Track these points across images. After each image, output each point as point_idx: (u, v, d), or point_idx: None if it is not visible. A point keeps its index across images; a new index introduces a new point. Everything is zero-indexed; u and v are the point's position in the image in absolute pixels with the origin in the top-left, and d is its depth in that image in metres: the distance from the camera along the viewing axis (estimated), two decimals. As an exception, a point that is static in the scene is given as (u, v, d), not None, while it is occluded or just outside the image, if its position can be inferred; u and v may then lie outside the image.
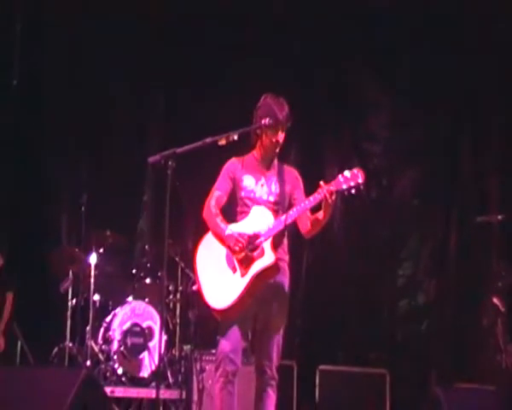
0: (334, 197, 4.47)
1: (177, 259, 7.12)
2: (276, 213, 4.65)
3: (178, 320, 7.13)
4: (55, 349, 6.95)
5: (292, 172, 4.84)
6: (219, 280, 4.59)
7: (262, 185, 4.75)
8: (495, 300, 6.35)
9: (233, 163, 4.82)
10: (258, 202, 4.71)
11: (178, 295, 7.17)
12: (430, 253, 7.69)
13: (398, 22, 7.69)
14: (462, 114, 7.63)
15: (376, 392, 6.81)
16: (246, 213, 4.70)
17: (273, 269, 4.57)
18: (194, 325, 6.68)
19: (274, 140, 4.71)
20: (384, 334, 7.60)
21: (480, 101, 7.52)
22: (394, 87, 7.82)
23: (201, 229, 4.78)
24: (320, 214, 4.57)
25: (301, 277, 7.78)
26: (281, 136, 4.72)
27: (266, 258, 4.53)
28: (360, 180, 4.49)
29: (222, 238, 4.61)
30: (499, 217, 6.51)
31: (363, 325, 7.57)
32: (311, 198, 4.54)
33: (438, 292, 7.59)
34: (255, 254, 4.54)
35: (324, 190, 4.47)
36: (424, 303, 7.63)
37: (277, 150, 4.79)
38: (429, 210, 7.75)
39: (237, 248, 4.55)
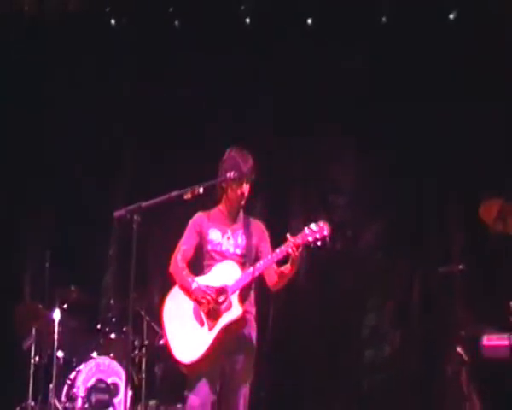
0: (300, 250, 4.52)
1: (142, 313, 7.08)
2: (242, 265, 4.69)
3: (144, 375, 7.05)
4: (17, 409, 6.83)
5: (258, 225, 4.89)
6: (186, 334, 4.59)
7: (228, 238, 4.79)
8: (459, 349, 6.40)
9: (199, 217, 4.86)
10: (224, 255, 4.75)
11: (144, 350, 7.11)
12: (394, 304, 7.74)
13: (364, 74, 7.83)
14: (427, 168, 7.75)
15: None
16: (212, 266, 4.72)
17: (240, 322, 4.59)
18: (160, 379, 6.63)
19: (239, 192, 4.77)
20: (350, 384, 7.59)
21: (444, 155, 7.64)
22: (360, 140, 7.92)
23: (167, 282, 4.78)
24: (287, 268, 4.62)
25: (267, 329, 7.76)
26: (245, 188, 4.79)
27: (234, 311, 4.56)
28: (326, 233, 4.57)
29: (189, 292, 4.62)
30: (460, 266, 6.60)
31: (330, 376, 7.55)
32: (278, 251, 4.59)
33: (402, 343, 7.62)
34: (222, 307, 4.56)
35: (291, 243, 4.52)
36: (389, 354, 7.65)
37: (243, 202, 4.85)
38: (393, 262, 7.80)
39: (204, 301, 4.56)
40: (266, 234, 4.87)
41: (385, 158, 7.79)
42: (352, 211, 7.99)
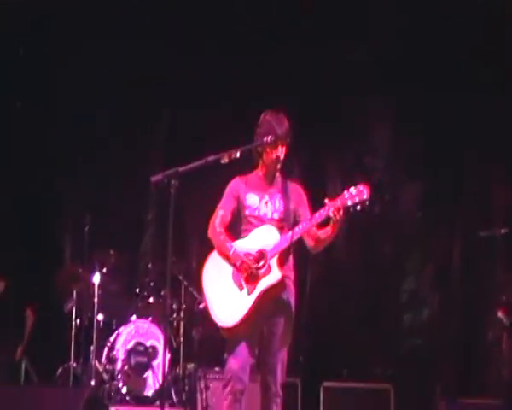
0: (341, 213, 4.47)
1: (180, 277, 7.12)
2: (281, 230, 4.65)
3: (182, 339, 7.12)
4: (60, 369, 6.95)
5: (296, 188, 4.84)
6: (226, 298, 4.59)
7: (266, 203, 4.75)
8: (500, 314, 6.34)
9: (236, 182, 4.83)
10: (262, 219, 4.71)
11: (182, 314, 7.16)
12: (434, 267, 7.68)
13: (399, 37, 7.70)
14: (466, 126, 7.62)
15: (381, 407, 6.78)
16: (250, 232, 4.70)
17: (279, 286, 4.57)
18: (198, 343, 6.68)
19: (275, 156, 4.72)
20: (388, 349, 7.58)
21: (484, 113, 7.51)
22: (396, 101, 7.82)
23: (205, 247, 4.78)
24: (328, 230, 4.57)
25: (305, 294, 7.77)
26: (281, 151, 4.72)
27: (273, 275, 4.54)
28: (365, 196, 4.50)
29: (228, 257, 4.61)
30: (502, 231, 6.49)
31: (368, 341, 7.55)
32: (317, 215, 4.55)
33: (442, 306, 7.58)
34: (261, 271, 4.54)
35: (331, 206, 4.47)
36: (428, 317, 7.61)
37: (279, 166, 4.79)
38: (432, 224, 7.74)
39: (243, 268, 4.55)
40: (304, 197, 4.82)
41: (423, 118, 7.68)
42: (390, 173, 7.92)
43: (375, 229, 7.87)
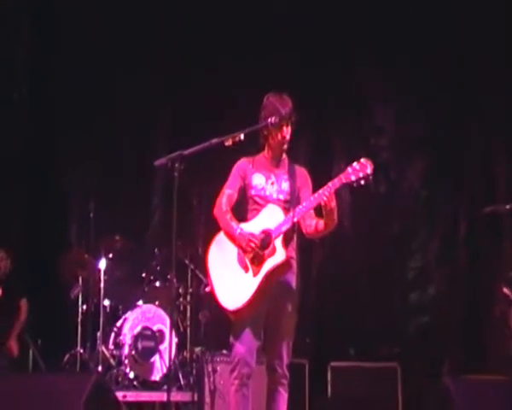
0: (333, 204, 4.43)
1: (186, 261, 7.12)
2: (286, 211, 4.63)
3: (189, 322, 7.14)
4: (67, 355, 6.97)
5: (302, 172, 4.82)
6: (232, 280, 4.57)
7: (272, 183, 4.74)
8: (505, 290, 6.32)
9: (243, 162, 4.82)
10: (268, 200, 4.70)
11: (189, 298, 7.18)
12: (440, 244, 7.66)
13: (405, 16, 7.64)
14: (469, 103, 7.58)
15: (388, 386, 6.78)
16: (256, 211, 4.70)
17: (284, 266, 4.56)
18: (205, 326, 6.68)
19: (280, 137, 4.70)
20: (396, 327, 7.57)
21: (486, 90, 7.47)
22: (400, 79, 7.78)
23: (211, 231, 4.77)
24: (321, 224, 4.56)
25: (312, 274, 7.77)
26: (286, 131, 4.70)
27: (278, 255, 4.52)
28: (369, 170, 4.48)
29: (233, 237, 4.60)
30: (507, 206, 6.45)
31: (375, 320, 7.54)
32: (316, 195, 4.53)
33: (449, 283, 7.56)
34: (266, 252, 4.53)
35: (329, 187, 4.45)
36: (435, 294, 7.59)
37: (285, 147, 4.77)
38: (438, 201, 7.72)
39: (249, 249, 4.54)
40: (309, 182, 4.80)
41: (426, 96, 7.65)
42: (395, 151, 7.88)
43: (381, 208, 7.85)
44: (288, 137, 4.73)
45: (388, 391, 6.77)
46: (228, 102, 7.72)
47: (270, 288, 4.54)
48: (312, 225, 4.63)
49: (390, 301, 7.64)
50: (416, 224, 7.78)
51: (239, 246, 4.57)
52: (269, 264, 4.52)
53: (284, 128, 4.69)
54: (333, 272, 7.83)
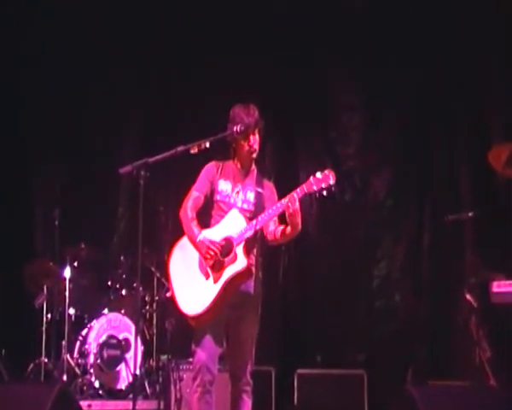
0: (296, 206, 4.46)
1: (152, 269, 7.11)
2: (249, 220, 4.64)
3: (155, 330, 7.11)
4: (31, 365, 6.90)
5: (269, 186, 4.86)
6: (192, 286, 4.58)
7: (238, 192, 4.76)
8: (468, 296, 6.40)
9: (212, 166, 4.84)
10: (232, 208, 4.71)
11: (155, 305, 7.15)
12: (404, 252, 7.73)
13: (373, 23, 7.71)
14: (434, 114, 7.66)
15: (354, 393, 6.83)
16: (220, 217, 4.71)
17: (245, 274, 4.57)
18: (171, 334, 6.66)
19: (247, 146, 4.72)
20: (362, 335, 7.61)
21: (453, 99, 7.55)
22: (368, 88, 7.83)
23: (178, 239, 4.76)
24: (285, 229, 4.59)
25: (278, 281, 7.78)
26: (253, 140, 4.73)
27: (238, 263, 4.53)
28: (331, 181, 4.50)
29: (194, 243, 4.61)
30: (470, 214, 6.55)
31: (341, 327, 7.58)
32: (279, 204, 4.55)
33: (413, 291, 7.63)
34: (227, 259, 4.54)
35: (292, 196, 4.47)
36: (400, 302, 7.65)
37: (254, 156, 4.79)
38: (402, 210, 7.81)
39: (208, 256, 4.55)
40: (275, 196, 4.82)
41: (393, 106, 7.73)
42: (360, 160, 7.94)
43: (347, 216, 7.89)
44: (255, 146, 4.76)
45: (355, 398, 6.82)
46: (199, 110, 7.71)
47: (230, 295, 4.55)
48: (275, 231, 4.65)
49: (356, 308, 7.69)
50: (381, 232, 7.84)
51: (199, 252, 4.58)
52: (229, 271, 4.53)
53: (251, 137, 4.71)
54: (298, 279, 7.86)
